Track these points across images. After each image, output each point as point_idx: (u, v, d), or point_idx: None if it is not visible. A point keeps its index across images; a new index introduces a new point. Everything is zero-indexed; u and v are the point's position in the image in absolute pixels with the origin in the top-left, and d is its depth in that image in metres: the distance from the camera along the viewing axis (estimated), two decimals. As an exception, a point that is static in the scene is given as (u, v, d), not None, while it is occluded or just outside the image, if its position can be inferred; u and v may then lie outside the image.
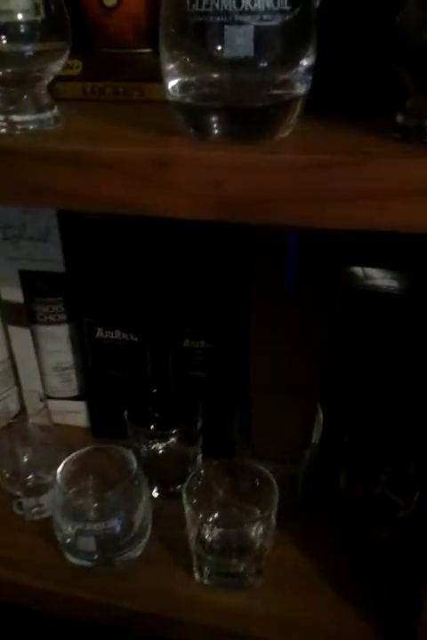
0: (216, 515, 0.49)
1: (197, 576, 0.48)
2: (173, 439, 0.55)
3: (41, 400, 0.57)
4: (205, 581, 0.48)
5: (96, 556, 0.48)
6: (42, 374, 0.62)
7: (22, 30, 0.33)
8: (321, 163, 0.27)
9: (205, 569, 0.47)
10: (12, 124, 0.33)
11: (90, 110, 0.38)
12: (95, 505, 0.47)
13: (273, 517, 0.45)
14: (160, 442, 0.55)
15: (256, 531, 0.46)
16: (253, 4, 0.25)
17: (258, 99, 0.28)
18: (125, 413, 0.55)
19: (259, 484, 0.47)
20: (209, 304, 0.53)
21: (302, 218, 0.29)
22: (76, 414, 0.64)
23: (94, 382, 0.61)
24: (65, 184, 0.31)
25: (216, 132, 0.29)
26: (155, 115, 0.36)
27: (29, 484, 0.54)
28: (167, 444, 0.55)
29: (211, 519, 0.48)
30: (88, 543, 0.47)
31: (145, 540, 0.50)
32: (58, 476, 0.47)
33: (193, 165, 0.29)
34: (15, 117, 0.33)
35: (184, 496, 0.45)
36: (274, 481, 0.46)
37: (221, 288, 0.52)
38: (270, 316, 0.53)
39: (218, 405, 0.56)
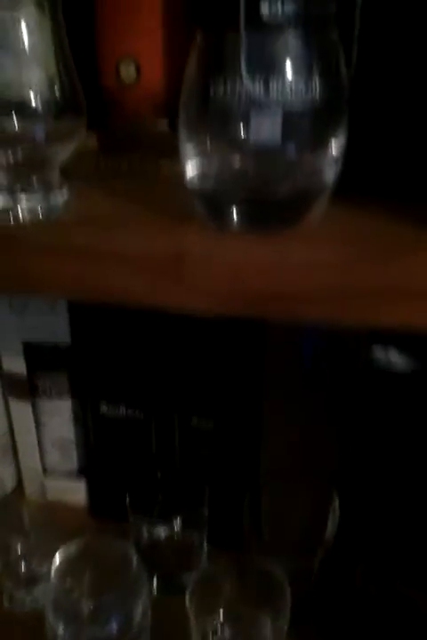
0: (222, 620, 0.44)
1: None
2: (176, 526, 0.51)
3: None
4: None
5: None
6: (41, 449, 0.59)
7: (35, 109, 0.32)
8: (348, 259, 0.25)
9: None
10: (19, 210, 0.31)
11: (104, 188, 0.36)
12: (91, 605, 0.43)
13: (285, 627, 0.41)
14: (163, 529, 0.51)
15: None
16: (282, 91, 0.24)
17: (283, 189, 0.27)
18: (127, 500, 0.51)
19: (270, 587, 0.43)
20: (219, 381, 0.50)
21: (325, 316, 0.27)
22: (75, 492, 0.60)
23: (96, 459, 0.58)
24: (75, 276, 0.29)
25: (237, 222, 0.27)
26: (171, 194, 0.34)
27: (22, 574, 0.50)
28: (170, 532, 0.52)
29: (217, 624, 0.44)
30: (82, 646, 0.43)
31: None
32: (52, 571, 0.43)
33: (211, 260, 0.27)
34: (24, 202, 0.31)
35: (188, 600, 0.41)
36: (287, 585, 0.42)
37: (233, 365, 0.49)
38: (284, 396, 0.51)
39: (226, 491, 0.52)
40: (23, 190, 0.32)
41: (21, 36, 0.35)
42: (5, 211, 0.31)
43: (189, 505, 0.51)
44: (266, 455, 0.52)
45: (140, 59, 0.39)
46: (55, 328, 0.53)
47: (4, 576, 0.50)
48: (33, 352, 0.54)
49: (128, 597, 0.44)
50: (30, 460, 0.60)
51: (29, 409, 0.57)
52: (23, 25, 0.35)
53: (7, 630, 0.50)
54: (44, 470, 0.60)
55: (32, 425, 0.58)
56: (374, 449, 0.53)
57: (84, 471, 0.60)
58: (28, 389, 0.56)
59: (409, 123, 0.31)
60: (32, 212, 0.31)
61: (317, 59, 0.25)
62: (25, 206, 0.31)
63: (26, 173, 0.32)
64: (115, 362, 0.52)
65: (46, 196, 0.32)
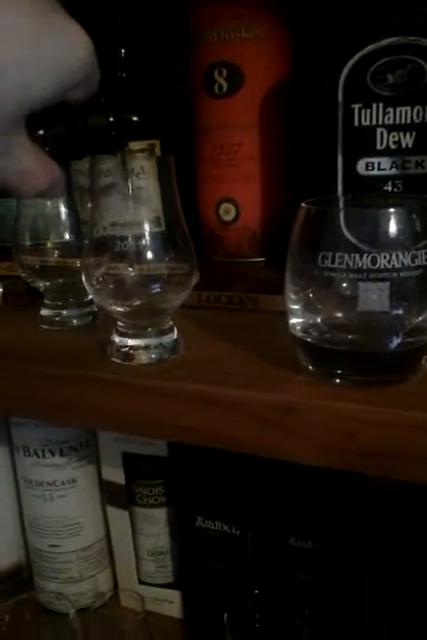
0: None
1: None
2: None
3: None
4: None
5: None
6: (137, 558, 0.60)
7: (151, 259, 0.34)
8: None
9: None
10: (133, 355, 0.33)
11: (207, 324, 0.38)
12: None
13: None
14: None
15: None
16: (389, 262, 0.24)
17: (388, 345, 0.27)
18: (225, 617, 0.50)
19: None
20: (319, 500, 0.49)
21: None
22: (170, 604, 0.60)
23: (191, 572, 0.57)
24: (185, 420, 0.30)
25: (341, 374, 0.28)
26: (271, 334, 0.35)
27: None
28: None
29: None
30: None
31: None
32: None
33: (320, 413, 0.27)
34: (139, 346, 0.33)
35: None
36: None
37: (334, 481, 0.48)
38: (388, 513, 0.48)
39: (327, 617, 0.50)
40: (137, 336, 0.34)
41: (138, 186, 0.38)
42: (122, 354, 0.34)
43: (288, 628, 0.49)
44: (370, 584, 0.49)
45: (238, 200, 0.41)
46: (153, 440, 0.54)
47: None
48: (132, 461, 0.56)
49: None
50: (127, 567, 0.60)
51: (127, 517, 0.58)
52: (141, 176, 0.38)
53: None
54: (140, 580, 0.60)
55: (129, 532, 0.59)
56: None
57: (180, 583, 0.59)
58: (125, 497, 0.58)
59: None
60: (146, 355, 0.33)
61: (421, 224, 0.26)
62: (140, 350, 0.33)
63: (141, 321, 0.34)
64: (211, 476, 0.53)
65: (159, 341, 0.34)
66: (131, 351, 0.33)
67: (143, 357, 0.33)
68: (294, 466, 0.48)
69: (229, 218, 0.41)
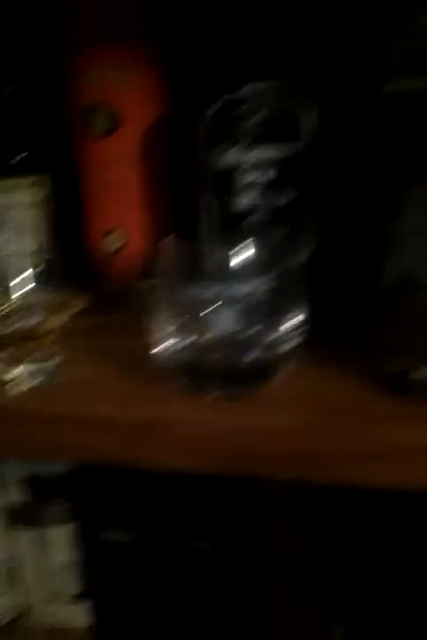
0: None
1: None
2: None
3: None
4: None
5: None
6: (47, 574, 0.61)
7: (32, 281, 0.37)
8: (308, 427, 0.29)
9: None
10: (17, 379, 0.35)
11: (93, 347, 0.41)
12: None
13: None
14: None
15: None
16: (240, 289, 0.28)
17: (246, 359, 0.31)
18: (134, 622, 0.53)
19: None
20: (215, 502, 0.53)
21: (295, 475, 0.30)
22: (79, 616, 0.61)
23: (99, 583, 0.59)
24: (67, 440, 0.32)
25: (209, 388, 0.32)
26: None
27: None
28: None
29: None
30: None
31: None
32: None
33: (190, 425, 0.31)
34: (21, 371, 0.35)
35: None
36: None
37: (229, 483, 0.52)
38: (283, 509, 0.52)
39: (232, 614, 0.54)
40: (18, 360, 0.36)
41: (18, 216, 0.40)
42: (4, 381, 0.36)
43: (195, 628, 0.53)
44: (273, 580, 0.53)
45: (124, 231, 0.44)
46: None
47: None
48: (34, 481, 0.57)
49: None
50: (35, 586, 0.61)
51: (29, 536, 0.59)
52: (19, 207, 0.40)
53: None
54: (49, 595, 0.61)
55: (39, 552, 0.60)
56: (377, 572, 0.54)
57: (88, 595, 0.61)
58: (31, 518, 0.59)
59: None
60: (29, 380, 0.36)
61: (267, 255, 0.30)
62: (23, 375, 0.36)
63: (22, 343, 0.37)
64: (111, 489, 0.55)
65: (42, 365, 0.36)
66: (13, 378, 0.35)
67: (25, 383, 0.35)
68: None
69: (115, 247, 0.44)
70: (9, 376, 0.35)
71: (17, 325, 0.35)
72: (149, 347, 0.39)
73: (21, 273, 0.39)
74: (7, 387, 0.35)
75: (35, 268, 0.37)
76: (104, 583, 0.59)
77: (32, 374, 0.35)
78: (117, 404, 0.33)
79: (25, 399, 0.34)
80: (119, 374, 0.37)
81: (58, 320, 0.36)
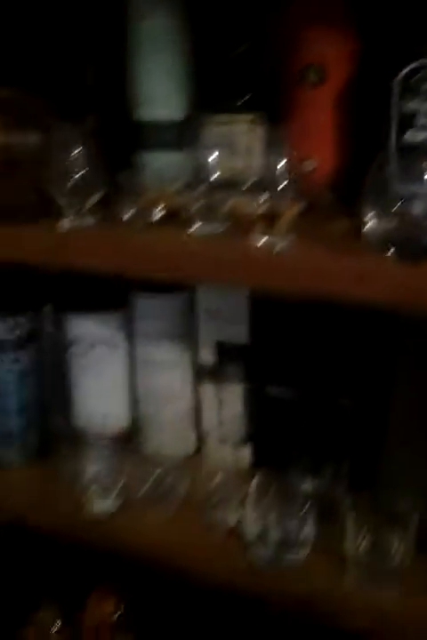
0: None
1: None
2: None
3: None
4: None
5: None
6: (220, 422, 0.82)
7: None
8: None
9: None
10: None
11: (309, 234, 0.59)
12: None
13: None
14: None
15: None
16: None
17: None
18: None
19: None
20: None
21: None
22: (243, 457, 0.82)
23: (261, 431, 0.79)
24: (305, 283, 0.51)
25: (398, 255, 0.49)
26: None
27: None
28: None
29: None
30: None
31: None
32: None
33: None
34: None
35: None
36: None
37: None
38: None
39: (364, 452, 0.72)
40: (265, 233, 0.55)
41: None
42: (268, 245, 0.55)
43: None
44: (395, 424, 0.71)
45: (318, 157, 0.61)
46: (238, 332, 0.76)
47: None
48: (221, 348, 0.78)
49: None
50: (209, 431, 0.82)
51: (213, 390, 0.80)
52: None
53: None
54: (220, 439, 0.82)
55: (215, 403, 0.81)
56: None
57: (251, 439, 0.81)
58: (214, 375, 0.79)
59: None
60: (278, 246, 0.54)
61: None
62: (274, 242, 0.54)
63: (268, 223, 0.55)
64: (279, 356, 0.74)
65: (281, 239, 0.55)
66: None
67: (276, 248, 0.54)
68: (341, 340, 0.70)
69: (310, 169, 0.61)
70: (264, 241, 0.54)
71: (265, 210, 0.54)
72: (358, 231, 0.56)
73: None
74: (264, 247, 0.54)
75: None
76: (266, 431, 0.79)
77: (277, 243, 0.54)
78: (334, 258, 0.51)
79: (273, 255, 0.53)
80: (333, 248, 0.54)
81: (290, 213, 0.54)
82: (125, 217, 0.64)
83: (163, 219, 0.63)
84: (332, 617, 0.62)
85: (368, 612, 0.60)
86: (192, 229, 0.60)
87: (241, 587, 0.68)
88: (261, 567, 0.66)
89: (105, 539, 0.75)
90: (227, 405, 0.81)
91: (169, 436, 0.82)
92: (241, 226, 0.58)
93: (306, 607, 0.64)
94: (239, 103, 0.62)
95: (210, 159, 0.59)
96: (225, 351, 0.78)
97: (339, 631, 0.62)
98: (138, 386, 0.83)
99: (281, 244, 0.54)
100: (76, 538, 0.77)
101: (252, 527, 0.67)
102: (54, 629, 0.91)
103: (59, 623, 0.91)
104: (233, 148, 0.59)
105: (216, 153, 0.58)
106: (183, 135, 0.64)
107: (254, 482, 0.67)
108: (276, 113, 0.61)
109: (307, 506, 0.66)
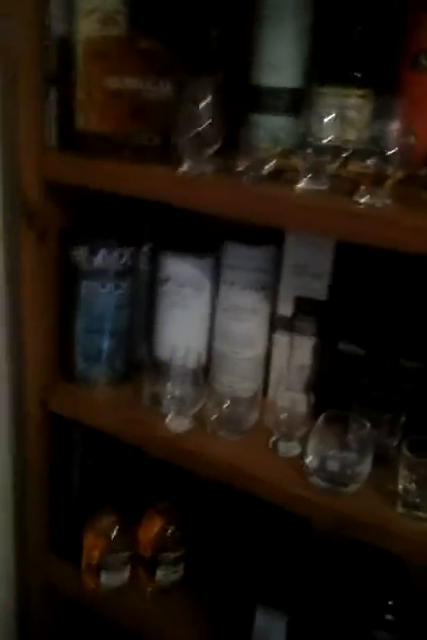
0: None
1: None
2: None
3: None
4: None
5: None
6: (289, 370, 0.90)
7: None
8: None
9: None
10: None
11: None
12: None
13: None
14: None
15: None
16: None
17: None
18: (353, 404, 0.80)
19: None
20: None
21: None
22: (303, 404, 0.90)
23: (324, 382, 0.87)
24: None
25: None
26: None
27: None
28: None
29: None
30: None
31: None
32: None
33: None
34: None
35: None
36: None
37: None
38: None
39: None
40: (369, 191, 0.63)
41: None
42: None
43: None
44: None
45: (418, 132, 0.69)
46: (318, 288, 0.84)
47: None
48: (299, 302, 0.86)
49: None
50: (278, 376, 0.91)
51: (287, 340, 0.89)
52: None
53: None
54: (286, 385, 0.91)
55: (286, 352, 0.89)
56: None
57: (313, 390, 0.89)
58: (289, 327, 0.88)
59: None
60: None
61: None
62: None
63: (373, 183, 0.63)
64: (351, 314, 0.82)
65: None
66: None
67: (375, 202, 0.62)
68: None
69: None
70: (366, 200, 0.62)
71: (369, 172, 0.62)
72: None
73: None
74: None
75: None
76: (331, 382, 0.87)
77: (379, 197, 0.62)
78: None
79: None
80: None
81: (393, 178, 0.62)
82: (239, 168, 0.73)
83: (272, 174, 0.72)
84: (379, 540, 0.71)
85: (411, 539, 0.68)
86: (300, 185, 0.69)
87: (299, 508, 0.77)
88: (319, 493, 0.75)
89: (178, 455, 0.84)
90: (297, 356, 0.90)
91: (241, 377, 0.91)
92: (345, 186, 0.66)
93: (355, 530, 0.72)
94: (353, 77, 0.70)
95: (321, 126, 0.67)
96: (303, 306, 0.86)
97: (382, 553, 0.71)
98: (218, 327, 0.92)
99: (382, 202, 0.62)
100: (153, 451, 0.88)
101: (313, 457, 0.76)
102: (112, 536, 1.00)
103: (116, 531, 1.01)
104: (343, 118, 0.67)
105: (327, 119, 0.66)
106: (298, 102, 0.72)
107: (320, 419, 0.75)
108: (386, 90, 0.69)
109: (364, 446, 0.74)
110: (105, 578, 1.01)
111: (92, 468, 1.01)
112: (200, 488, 1.00)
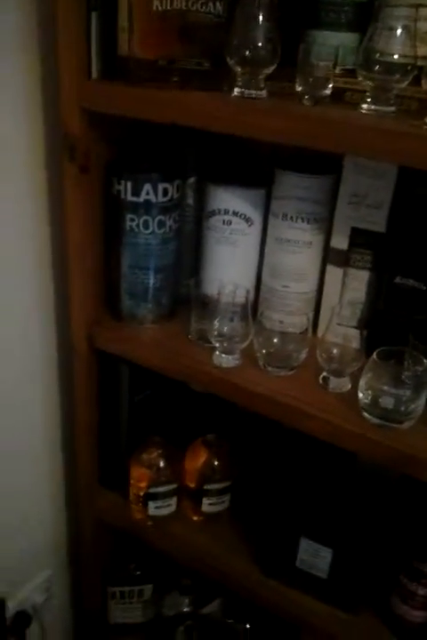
0: None
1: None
2: None
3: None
4: None
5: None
6: (341, 305, 0.88)
7: None
8: None
9: None
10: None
11: None
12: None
13: None
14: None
15: None
16: None
17: None
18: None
19: None
20: None
21: None
22: (356, 339, 0.88)
23: (382, 319, 0.84)
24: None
25: None
26: None
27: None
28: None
29: None
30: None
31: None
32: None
33: None
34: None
35: None
36: None
37: None
38: None
39: None
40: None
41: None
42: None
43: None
44: None
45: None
46: (377, 220, 0.80)
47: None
48: (356, 234, 0.83)
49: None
50: (330, 312, 0.89)
51: (340, 274, 0.86)
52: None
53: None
54: (337, 322, 0.88)
55: (339, 286, 0.87)
56: None
57: (367, 325, 0.87)
58: (344, 260, 0.85)
59: None
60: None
61: None
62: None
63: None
64: (413, 248, 0.79)
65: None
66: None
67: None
68: None
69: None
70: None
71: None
72: None
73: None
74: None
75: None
76: (386, 318, 0.84)
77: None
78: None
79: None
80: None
81: None
82: (297, 90, 0.68)
83: (334, 96, 0.67)
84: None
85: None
86: (363, 107, 0.64)
87: (349, 444, 0.76)
88: (371, 428, 0.74)
89: (226, 389, 0.84)
90: (351, 290, 0.87)
91: (291, 312, 0.89)
92: (413, 109, 0.62)
93: (408, 466, 0.72)
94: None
95: (389, 40, 0.62)
96: (359, 238, 0.83)
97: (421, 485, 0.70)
98: (268, 262, 0.90)
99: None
100: (201, 386, 0.87)
101: (366, 393, 0.74)
102: (159, 467, 1.02)
103: (163, 462, 1.02)
104: (416, 33, 0.62)
105: (399, 34, 0.61)
106: (362, 16, 0.66)
107: (374, 355, 0.73)
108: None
109: (419, 382, 0.72)
110: (153, 508, 1.03)
111: (140, 402, 1.01)
112: (247, 421, 1.00)
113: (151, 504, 1.03)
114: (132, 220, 0.86)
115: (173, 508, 1.05)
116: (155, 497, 1.02)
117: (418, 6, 0.61)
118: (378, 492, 0.93)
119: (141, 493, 1.03)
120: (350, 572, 0.90)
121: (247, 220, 0.87)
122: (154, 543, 1.06)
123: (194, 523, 1.04)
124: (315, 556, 0.92)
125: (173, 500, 1.04)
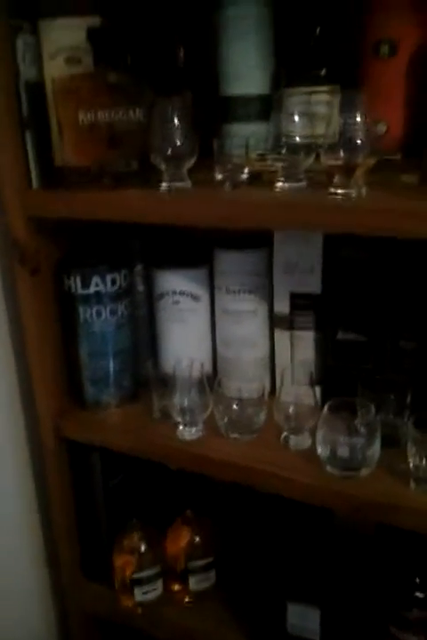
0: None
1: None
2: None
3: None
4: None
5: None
6: (291, 366, 0.91)
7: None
8: None
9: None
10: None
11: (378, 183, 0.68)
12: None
13: None
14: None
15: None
16: None
17: None
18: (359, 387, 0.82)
19: None
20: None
21: None
22: (311, 397, 0.91)
23: (330, 372, 0.88)
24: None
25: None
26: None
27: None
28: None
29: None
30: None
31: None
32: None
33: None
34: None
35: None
36: None
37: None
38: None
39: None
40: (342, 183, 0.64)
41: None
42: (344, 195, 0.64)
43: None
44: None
45: (388, 122, 0.70)
46: (311, 282, 0.85)
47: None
48: (295, 298, 0.87)
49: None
50: (282, 373, 0.92)
51: (288, 337, 0.90)
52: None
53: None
54: (294, 381, 0.92)
55: (288, 348, 0.91)
56: None
57: (320, 382, 0.90)
58: (288, 324, 0.89)
59: None
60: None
61: None
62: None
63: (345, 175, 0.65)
64: (350, 304, 0.84)
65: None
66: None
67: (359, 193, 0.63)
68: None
69: (381, 132, 0.70)
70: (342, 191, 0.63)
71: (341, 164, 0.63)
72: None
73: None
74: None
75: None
76: (334, 372, 0.89)
77: (354, 192, 0.63)
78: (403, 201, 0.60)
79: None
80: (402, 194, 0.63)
81: (364, 167, 0.63)
82: (218, 178, 0.74)
83: (250, 179, 0.74)
84: (394, 519, 0.72)
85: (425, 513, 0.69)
86: (277, 186, 0.70)
87: (316, 499, 0.78)
88: (333, 481, 0.76)
89: (194, 462, 0.86)
90: (299, 350, 0.91)
91: (247, 378, 0.92)
92: (320, 181, 0.68)
93: (371, 512, 0.74)
94: (318, 75, 0.72)
95: (292, 125, 0.69)
96: (299, 301, 0.88)
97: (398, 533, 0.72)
98: (219, 333, 0.94)
99: (357, 192, 0.63)
100: (170, 462, 0.89)
101: (324, 446, 0.77)
102: (141, 552, 1.02)
103: (145, 546, 1.02)
104: (313, 116, 0.68)
105: (298, 119, 0.68)
106: (267, 107, 0.73)
107: (326, 408, 0.77)
108: (351, 82, 0.70)
109: (372, 429, 0.75)
110: (140, 594, 1.02)
111: (115, 487, 1.02)
112: (222, 493, 1.01)
113: (137, 590, 1.02)
114: (86, 311, 0.91)
115: (159, 592, 1.04)
116: (140, 582, 1.02)
117: (312, 93, 0.69)
118: (357, 545, 0.94)
119: (127, 580, 1.02)
120: (341, 629, 0.89)
121: (194, 297, 0.92)
122: (145, 630, 1.04)
123: (183, 603, 1.03)
124: (304, 619, 0.91)
125: (159, 583, 1.03)
